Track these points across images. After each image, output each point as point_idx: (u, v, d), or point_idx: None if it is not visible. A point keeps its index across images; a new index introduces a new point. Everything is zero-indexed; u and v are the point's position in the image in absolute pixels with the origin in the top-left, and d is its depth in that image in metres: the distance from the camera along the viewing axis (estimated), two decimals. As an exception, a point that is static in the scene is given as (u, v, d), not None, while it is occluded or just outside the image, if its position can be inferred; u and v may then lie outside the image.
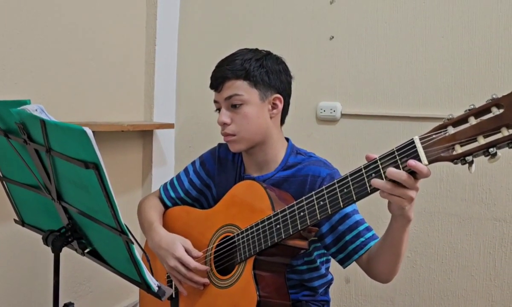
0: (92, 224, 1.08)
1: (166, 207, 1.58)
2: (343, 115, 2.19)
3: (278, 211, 1.20)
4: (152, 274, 1.07)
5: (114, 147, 2.24)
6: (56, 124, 0.96)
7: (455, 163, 0.93)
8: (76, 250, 1.21)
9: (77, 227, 1.18)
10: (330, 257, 1.41)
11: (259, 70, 1.34)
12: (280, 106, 1.39)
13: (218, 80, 1.37)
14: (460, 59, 1.99)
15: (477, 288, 2.01)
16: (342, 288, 2.22)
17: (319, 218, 1.13)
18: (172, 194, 1.57)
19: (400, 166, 0.99)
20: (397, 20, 2.08)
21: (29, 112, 1.00)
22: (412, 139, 0.98)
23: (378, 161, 1.02)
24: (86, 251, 1.20)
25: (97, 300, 2.19)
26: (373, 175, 1.03)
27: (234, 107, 1.35)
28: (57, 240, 1.17)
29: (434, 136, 0.95)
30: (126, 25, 2.28)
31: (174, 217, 1.53)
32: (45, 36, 1.84)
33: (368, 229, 1.30)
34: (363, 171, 1.05)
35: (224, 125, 1.36)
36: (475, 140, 0.90)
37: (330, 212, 1.11)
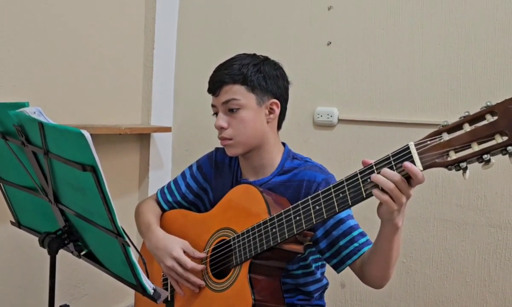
0: (88, 227, 1.08)
1: (163, 210, 1.58)
2: (340, 120, 2.20)
3: (274, 215, 1.21)
4: (148, 276, 1.07)
5: (112, 150, 2.25)
6: (54, 126, 0.96)
7: (450, 169, 0.94)
8: (72, 252, 1.21)
9: (73, 230, 1.18)
10: (325, 262, 1.42)
11: (256, 75, 1.35)
12: (277, 111, 1.40)
13: (216, 84, 1.37)
14: (456, 66, 2.00)
15: (471, 294, 2.01)
16: (337, 293, 2.22)
17: (314, 223, 1.14)
18: (169, 198, 1.57)
19: (395, 172, 1.00)
20: (394, 27, 2.10)
21: (27, 115, 1.00)
22: (408, 145, 0.99)
23: (374, 167, 1.04)
24: (82, 253, 1.20)
25: (92, 302, 2.19)
26: (369, 180, 1.04)
27: (231, 111, 1.35)
28: (53, 242, 1.16)
29: (429, 142, 0.96)
30: (125, 29, 2.29)
31: (171, 220, 1.53)
32: (43, 39, 1.85)
33: (362, 234, 1.31)
34: (359, 176, 1.06)
35: (221, 129, 1.37)
36: (469, 146, 0.91)
37: (325, 217, 1.12)
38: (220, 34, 2.45)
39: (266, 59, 1.42)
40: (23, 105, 1.02)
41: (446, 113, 2.00)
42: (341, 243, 1.30)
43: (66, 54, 1.95)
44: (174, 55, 2.54)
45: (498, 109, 0.88)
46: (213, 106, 1.41)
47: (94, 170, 0.93)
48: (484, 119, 0.90)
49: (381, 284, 1.28)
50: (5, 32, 1.70)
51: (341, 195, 1.09)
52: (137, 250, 1.09)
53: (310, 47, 2.25)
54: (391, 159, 1.01)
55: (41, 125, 0.98)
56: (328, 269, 1.43)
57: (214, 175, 1.53)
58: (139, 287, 1.06)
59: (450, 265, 2.04)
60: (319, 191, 1.14)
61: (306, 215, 1.15)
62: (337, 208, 1.10)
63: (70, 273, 2.05)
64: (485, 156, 0.89)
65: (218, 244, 1.34)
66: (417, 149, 0.97)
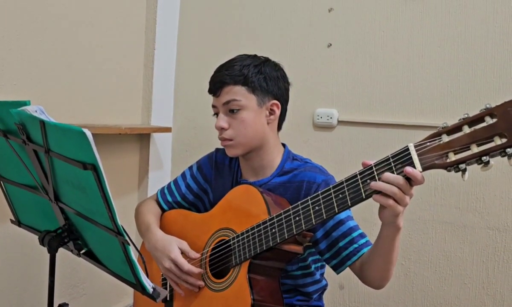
0: (88, 225, 1.08)
1: (163, 210, 1.58)
2: (339, 122, 2.21)
3: (274, 215, 1.21)
4: (148, 276, 1.07)
5: (111, 149, 2.25)
6: (56, 125, 0.96)
7: (449, 171, 0.94)
8: (72, 251, 1.21)
9: (73, 228, 1.18)
10: (324, 263, 1.42)
11: (257, 76, 1.35)
12: (278, 112, 1.40)
13: (216, 85, 1.38)
14: (455, 69, 2.01)
15: (470, 297, 2.02)
16: (336, 295, 2.22)
17: (314, 223, 1.14)
18: (169, 198, 1.58)
19: (395, 173, 1.00)
20: (394, 29, 2.11)
21: (29, 113, 1.01)
22: (407, 146, 0.99)
23: (373, 168, 1.04)
24: (82, 252, 1.20)
25: (90, 302, 2.19)
26: (368, 181, 1.04)
27: (231, 112, 1.36)
28: (53, 240, 1.16)
29: (428, 143, 0.97)
30: (126, 29, 2.29)
31: (171, 220, 1.54)
32: (44, 38, 1.85)
33: (362, 235, 1.31)
34: (359, 177, 1.06)
35: (221, 130, 1.37)
36: (468, 148, 0.92)
37: (325, 217, 1.12)
38: (221, 35, 2.45)
39: (267, 60, 1.42)
40: (24, 103, 1.02)
41: (445, 115, 2.01)
42: (341, 244, 1.30)
43: (66, 54, 1.96)
44: (175, 56, 2.54)
45: (497, 111, 0.89)
46: (213, 106, 1.41)
47: (95, 168, 0.93)
48: (484, 121, 0.90)
49: (380, 285, 1.28)
50: (6, 31, 1.70)
51: (340, 195, 1.09)
52: (136, 249, 1.09)
53: (310, 49, 2.26)
54: (391, 160, 1.01)
55: (43, 123, 0.99)
56: (327, 271, 1.44)
57: (214, 176, 1.53)
58: (139, 286, 1.06)
59: (449, 267, 2.05)
60: (319, 192, 1.14)
61: (306, 216, 1.15)
62: (336, 209, 1.10)
63: (68, 272, 2.05)
64: (484, 158, 0.89)
65: (218, 244, 1.35)
66: (416, 151, 0.98)
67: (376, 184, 1.03)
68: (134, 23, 2.34)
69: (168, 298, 1.44)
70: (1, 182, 1.30)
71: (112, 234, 1.01)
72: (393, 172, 1.01)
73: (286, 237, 1.18)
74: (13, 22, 1.73)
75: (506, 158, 0.88)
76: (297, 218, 1.17)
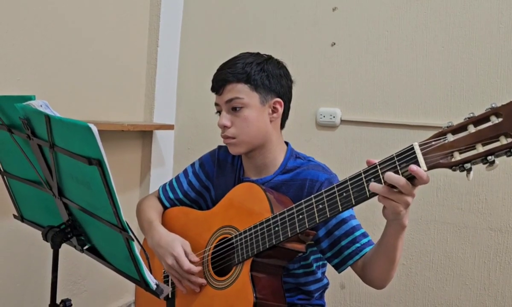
0: (92, 221, 1.08)
1: (164, 208, 1.58)
2: (342, 121, 2.21)
3: (277, 213, 1.21)
4: (151, 272, 1.07)
5: (114, 146, 2.25)
6: (61, 119, 0.96)
7: (454, 170, 0.94)
8: (75, 246, 1.21)
9: (77, 224, 1.18)
10: (326, 261, 1.42)
11: (260, 74, 1.35)
12: (280, 110, 1.40)
13: (219, 83, 1.37)
14: (459, 69, 2.01)
15: (471, 297, 2.02)
16: (337, 294, 2.22)
17: (317, 222, 1.13)
18: (171, 195, 1.57)
19: (400, 172, 1.00)
20: (398, 29, 2.10)
21: (34, 108, 1.00)
22: (412, 145, 0.99)
23: (378, 166, 1.03)
24: (85, 247, 1.20)
25: (91, 299, 2.19)
26: (372, 180, 1.04)
27: (234, 110, 1.35)
28: (56, 236, 1.16)
29: (433, 142, 0.96)
30: (129, 26, 2.29)
31: (173, 218, 1.54)
32: (47, 34, 1.85)
33: (364, 235, 1.31)
34: (363, 175, 1.06)
35: (224, 127, 1.37)
36: (473, 147, 0.91)
37: (329, 216, 1.11)
38: (224, 33, 2.45)
39: (269, 58, 1.42)
40: (29, 98, 1.02)
41: (449, 116, 2.00)
42: (343, 243, 1.30)
43: (70, 50, 1.96)
44: (178, 53, 2.54)
45: (503, 110, 0.88)
46: (216, 104, 1.41)
47: (100, 164, 0.93)
48: (489, 120, 0.90)
49: (382, 285, 1.28)
50: (10, 27, 1.70)
51: (344, 194, 1.09)
52: (140, 245, 1.09)
53: (314, 48, 2.26)
54: (395, 159, 1.01)
55: (48, 118, 0.98)
56: (329, 270, 1.44)
57: (217, 173, 1.53)
58: (142, 282, 1.06)
59: (450, 268, 2.05)
60: (323, 190, 1.14)
61: (309, 214, 1.15)
62: (340, 208, 1.09)
63: (70, 269, 2.05)
64: (490, 158, 0.89)
65: (220, 242, 1.35)
66: (421, 150, 0.97)
67: (374, 187, 1.03)
68: (137, 21, 2.34)
69: (170, 296, 1.44)
70: (5, 177, 1.30)
71: (116, 230, 1.01)
72: (397, 171, 1.00)
73: (290, 236, 1.18)
74: (17, 17, 1.73)
75: (511, 158, 0.88)
76: (300, 217, 1.16)
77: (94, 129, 0.88)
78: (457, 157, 0.93)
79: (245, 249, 1.25)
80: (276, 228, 1.20)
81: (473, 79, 1.99)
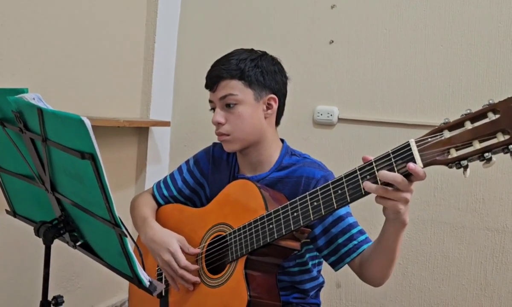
0: (85, 216, 1.07)
1: (158, 205, 1.57)
2: (340, 119, 2.20)
3: (272, 211, 1.20)
4: (144, 269, 1.06)
5: (109, 142, 2.24)
6: (54, 113, 0.95)
7: (450, 167, 0.93)
8: (68, 242, 1.20)
9: (69, 219, 1.17)
10: (322, 260, 1.41)
11: (254, 70, 1.34)
12: (275, 106, 1.39)
13: (213, 79, 1.37)
14: (458, 68, 2.00)
15: (467, 298, 2.01)
16: (333, 293, 2.21)
17: (312, 219, 1.13)
18: (165, 192, 1.56)
19: (395, 169, 0.99)
20: (397, 28, 2.10)
21: (26, 101, 1.00)
22: (408, 142, 0.98)
23: (373, 163, 1.02)
24: (78, 244, 1.19)
25: (85, 295, 2.18)
26: (368, 177, 1.03)
27: (228, 106, 1.34)
28: (49, 231, 1.15)
29: (430, 139, 0.95)
30: (126, 21, 2.28)
31: (167, 215, 1.53)
32: (43, 29, 1.84)
33: (361, 232, 1.30)
34: (358, 172, 1.05)
35: (218, 124, 1.36)
36: (470, 144, 0.90)
37: (323, 213, 1.11)
38: (222, 30, 2.45)
39: (264, 54, 1.41)
40: (22, 91, 1.01)
41: (447, 114, 1.96)
42: (340, 240, 1.29)
43: (66, 45, 1.94)
44: (175, 50, 2.54)
45: (500, 107, 0.87)
46: (210, 101, 1.40)
47: (93, 158, 0.92)
48: (486, 117, 0.89)
49: (380, 282, 1.27)
50: (5, 20, 1.69)
51: (339, 191, 1.08)
52: (133, 241, 1.08)
53: (312, 45, 2.25)
54: (391, 156, 1.00)
55: (40, 111, 0.98)
56: (325, 268, 1.43)
57: (211, 170, 1.52)
58: (135, 279, 1.05)
59: (447, 268, 2.04)
60: (317, 187, 1.13)
61: (304, 211, 1.14)
62: (335, 205, 1.09)
63: (63, 265, 2.04)
64: (487, 155, 0.88)
65: (214, 239, 1.34)
66: (417, 146, 0.96)
67: (369, 187, 1.02)
68: (135, 16, 2.34)
69: (163, 293, 1.42)
70: (-3, 171, 1.29)
71: (109, 226, 1.00)
72: (393, 168, 0.99)
73: (284, 233, 1.17)
74: (12, 10, 1.71)
75: (508, 155, 0.87)
76: (295, 214, 1.16)
77: (87, 122, 0.87)
78: (454, 154, 0.92)
79: (239, 246, 1.24)
80: (271, 226, 1.19)
81: (472, 78, 1.98)
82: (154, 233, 1.38)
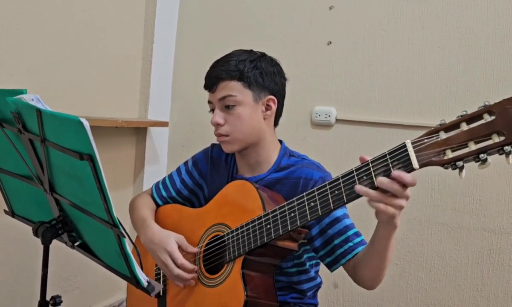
0: (83, 217, 1.07)
1: (157, 205, 1.57)
2: (337, 120, 2.20)
3: (269, 211, 1.20)
4: (142, 269, 1.06)
5: (107, 142, 2.24)
6: (52, 114, 0.96)
7: (446, 168, 0.94)
8: (66, 243, 1.20)
9: (68, 220, 1.17)
10: (319, 260, 1.41)
11: (253, 71, 1.34)
12: (274, 107, 1.39)
13: (212, 80, 1.37)
14: (455, 70, 2.01)
15: (464, 298, 2.02)
16: (330, 293, 2.22)
17: (309, 219, 1.13)
18: (164, 193, 1.57)
19: (392, 170, 0.99)
20: (395, 29, 2.10)
21: (25, 101, 1.00)
22: (404, 143, 0.99)
23: (370, 164, 1.03)
24: (76, 244, 1.19)
25: (83, 296, 2.18)
26: (364, 178, 1.03)
27: (227, 108, 1.35)
28: (47, 231, 1.15)
29: (426, 140, 0.96)
30: (125, 21, 2.28)
31: (166, 215, 1.53)
32: (42, 29, 1.84)
33: (357, 234, 1.30)
34: (355, 173, 1.05)
35: (217, 125, 1.36)
36: (466, 145, 0.91)
37: (320, 214, 1.11)
38: (220, 31, 2.45)
39: (263, 55, 1.41)
40: (21, 92, 1.01)
41: (444, 116, 1.96)
42: (336, 242, 1.29)
43: (64, 45, 1.95)
44: (173, 50, 2.54)
45: (495, 109, 0.88)
46: (209, 102, 1.40)
47: (92, 159, 0.92)
48: (482, 118, 0.90)
49: (373, 285, 1.27)
50: (4, 20, 1.69)
51: (336, 192, 1.08)
52: (132, 242, 1.08)
53: (310, 46, 2.25)
54: (388, 156, 1.01)
55: (39, 112, 0.98)
56: (322, 269, 1.43)
57: (210, 171, 1.52)
58: (133, 279, 1.05)
59: (443, 269, 2.05)
60: (315, 188, 1.13)
61: (301, 212, 1.14)
62: (332, 205, 1.09)
63: (61, 265, 2.04)
64: (482, 156, 0.89)
65: (212, 239, 1.34)
66: (413, 147, 0.97)
67: (367, 193, 1.02)
68: (133, 16, 2.34)
69: (161, 294, 1.43)
70: (-4, 172, 1.29)
71: (108, 226, 1.00)
72: (389, 169, 1.00)
73: (281, 233, 1.17)
74: (11, 11, 1.72)
75: (504, 156, 0.88)
76: (292, 215, 1.16)
77: (86, 124, 0.88)
78: (450, 155, 0.93)
79: (237, 246, 1.24)
80: (268, 226, 1.19)
81: (469, 80, 1.99)
82: (153, 233, 1.38)
